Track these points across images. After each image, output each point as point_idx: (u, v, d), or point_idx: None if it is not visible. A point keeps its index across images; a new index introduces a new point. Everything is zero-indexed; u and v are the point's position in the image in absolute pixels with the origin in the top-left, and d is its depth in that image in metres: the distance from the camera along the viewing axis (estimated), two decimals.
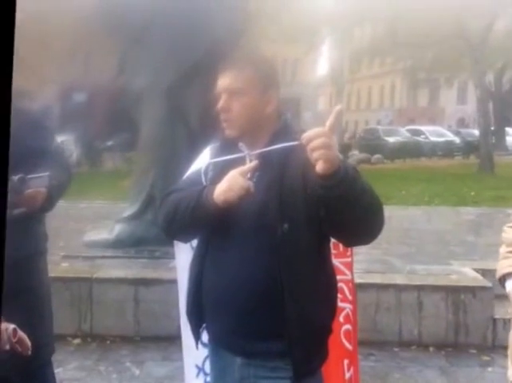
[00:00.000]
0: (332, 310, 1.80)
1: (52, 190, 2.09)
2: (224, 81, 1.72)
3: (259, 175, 1.67)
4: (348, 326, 2.66)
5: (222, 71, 1.74)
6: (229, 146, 1.76)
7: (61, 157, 2.41)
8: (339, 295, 2.20)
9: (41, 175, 2.03)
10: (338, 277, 2.06)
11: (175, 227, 1.77)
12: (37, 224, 2.36)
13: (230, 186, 1.59)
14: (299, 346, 1.65)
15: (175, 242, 2.37)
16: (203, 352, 2.28)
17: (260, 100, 1.71)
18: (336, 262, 1.85)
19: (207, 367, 2.30)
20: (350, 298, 2.65)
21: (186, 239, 2.03)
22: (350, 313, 2.67)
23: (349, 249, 2.56)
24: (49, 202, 2.13)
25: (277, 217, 1.62)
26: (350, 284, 2.67)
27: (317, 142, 1.43)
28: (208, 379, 2.37)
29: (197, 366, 2.45)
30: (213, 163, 1.78)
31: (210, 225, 1.69)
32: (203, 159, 1.94)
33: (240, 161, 1.71)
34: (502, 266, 2.08)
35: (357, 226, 1.59)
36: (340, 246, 2.39)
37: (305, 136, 1.45)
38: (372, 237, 1.64)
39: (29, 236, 2.29)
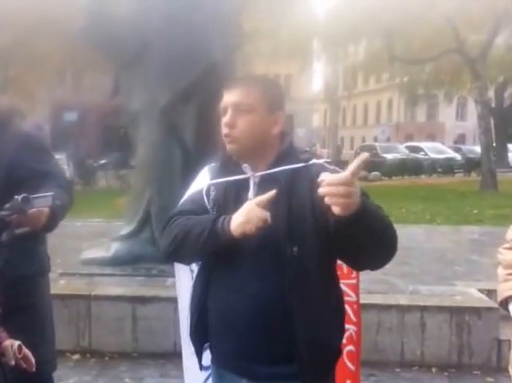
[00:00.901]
0: (341, 332, 1.82)
1: (55, 210, 2.13)
2: (232, 96, 1.72)
3: None
4: (351, 347, 2.72)
5: (231, 86, 1.74)
6: (230, 166, 1.76)
7: (62, 178, 2.45)
8: None
9: (44, 194, 2.05)
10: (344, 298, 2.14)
11: (183, 252, 1.75)
12: (40, 244, 2.43)
13: (248, 219, 1.56)
14: (310, 369, 1.66)
15: (176, 263, 2.38)
16: (204, 374, 2.30)
17: (267, 120, 1.72)
18: (340, 284, 1.90)
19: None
20: (354, 319, 2.72)
21: (189, 263, 2.07)
22: (354, 335, 2.73)
23: (354, 271, 2.61)
24: (53, 221, 2.15)
25: (286, 239, 1.63)
26: (355, 306, 2.73)
27: (336, 189, 1.39)
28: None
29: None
30: (214, 184, 1.78)
31: (222, 252, 1.68)
32: (202, 180, 1.95)
33: (242, 182, 1.72)
34: (504, 289, 2.08)
35: (370, 255, 1.61)
36: (344, 267, 2.45)
37: (325, 180, 1.41)
38: (383, 264, 1.66)
39: (33, 255, 2.36)
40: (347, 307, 2.57)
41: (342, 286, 2.34)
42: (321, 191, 1.41)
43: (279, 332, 1.66)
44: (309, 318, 1.65)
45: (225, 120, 1.71)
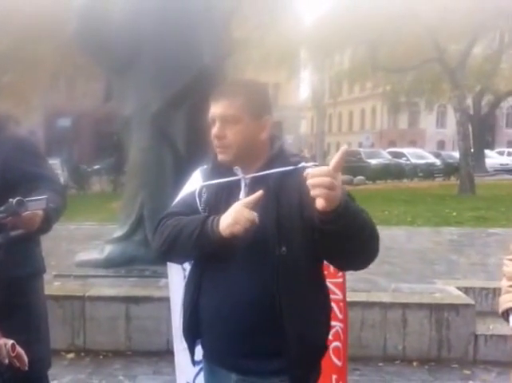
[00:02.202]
0: (327, 329, 1.84)
1: (49, 212, 2.13)
2: (218, 109, 1.71)
3: None
4: (337, 343, 2.74)
5: (216, 98, 1.73)
6: (222, 168, 1.77)
7: (56, 182, 2.44)
8: None
9: (39, 198, 2.04)
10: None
11: (175, 252, 1.76)
12: (35, 245, 2.43)
13: (235, 219, 1.57)
14: (297, 365, 1.68)
15: (168, 262, 2.39)
16: (194, 369, 2.32)
17: (254, 127, 1.71)
18: (326, 282, 1.93)
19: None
20: (341, 316, 2.75)
21: (181, 262, 2.07)
22: (340, 331, 2.75)
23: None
24: (47, 224, 2.15)
25: (274, 240, 1.64)
26: (341, 304, 2.75)
27: (319, 180, 1.41)
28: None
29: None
30: (206, 186, 1.79)
31: (212, 251, 1.69)
32: (195, 182, 1.95)
33: (233, 183, 1.74)
34: (505, 301, 2.06)
35: (353, 256, 1.63)
36: (331, 267, 2.44)
37: (309, 172, 1.44)
38: (365, 265, 1.68)
39: (27, 257, 2.35)
40: (333, 305, 2.59)
41: (329, 285, 2.37)
42: (308, 182, 1.43)
43: (268, 328, 1.67)
44: (297, 316, 1.67)
45: (214, 132, 1.72)
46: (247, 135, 1.71)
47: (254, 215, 1.57)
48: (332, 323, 2.55)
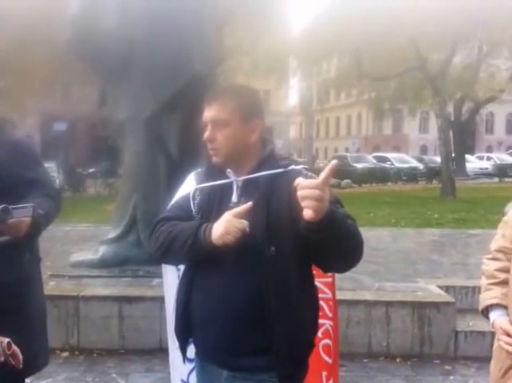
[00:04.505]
0: (315, 326, 1.83)
1: (37, 219, 2.09)
2: (209, 113, 1.74)
3: (246, 200, 1.66)
4: (327, 341, 2.72)
5: (208, 102, 1.75)
6: (214, 171, 1.78)
7: (49, 187, 2.39)
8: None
9: (25, 205, 2.02)
10: (319, 295, 2.15)
11: (170, 257, 1.79)
12: (25, 251, 2.33)
13: (227, 230, 1.58)
14: (286, 363, 1.68)
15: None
16: (188, 366, 2.31)
17: (243, 130, 1.72)
18: (316, 281, 1.91)
19: (192, 380, 2.33)
20: (330, 315, 2.73)
21: (177, 265, 2.08)
22: (330, 329, 2.73)
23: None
24: (35, 230, 2.12)
25: (264, 240, 1.64)
26: (331, 302, 2.74)
27: (309, 192, 1.42)
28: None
29: (182, 380, 2.47)
30: (199, 189, 1.79)
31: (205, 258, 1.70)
32: (189, 185, 1.93)
33: (225, 186, 1.74)
34: (485, 298, 2.06)
35: (337, 261, 1.65)
36: None
37: (300, 183, 1.45)
38: (348, 268, 1.69)
39: (14, 263, 2.26)
40: (323, 304, 2.58)
41: (318, 284, 2.34)
42: (298, 193, 1.44)
43: (257, 326, 1.66)
44: (285, 315, 1.66)
45: (205, 135, 1.74)
46: (236, 138, 1.72)
47: (245, 225, 1.58)
48: (322, 321, 2.55)
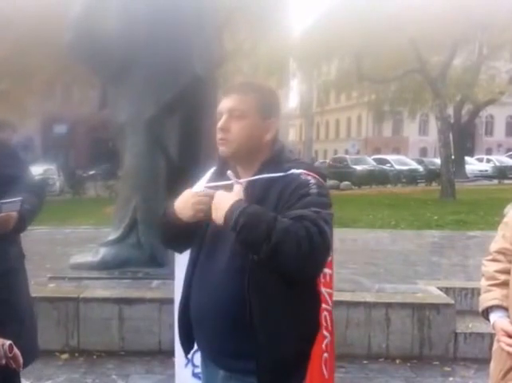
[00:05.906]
0: (307, 337, 1.73)
1: (24, 213, 2.13)
2: (228, 102, 1.69)
3: None
4: (326, 355, 2.67)
5: (227, 93, 1.72)
6: (221, 171, 1.75)
7: (31, 183, 2.42)
8: (323, 323, 2.16)
9: (13, 199, 2.05)
10: (324, 305, 2.02)
11: (166, 237, 1.87)
12: (10, 244, 2.35)
13: (195, 212, 1.69)
14: (266, 369, 1.63)
15: (176, 262, 2.45)
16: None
17: (259, 126, 1.69)
18: (323, 290, 1.83)
19: (196, 360, 2.37)
20: (330, 328, 2.59)
21: (181, 251, 1.98)
22: (329, 343, 2.68)
23: (332, 280, 2.48)
24: (22, 224, 2.16)
25: None
26: (331, 315, 2.69)
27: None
28: (196, 370, 2.41)
29: (186, 358, 2.48)
30: (206, 188, 1.76)
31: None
32: (202, 182, 1.91)
33: (230, 187, 1.70)
34: (485, 300, 2.05)
35: (273, 267, 1.53)
36: (327, 275, 2.35)
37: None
38: (298, 278, 1.56)
39: (3, 255, 2.29)
40: (327, 315, 2.41)
41: (325, 294, 2.21)
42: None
43: (244, 331, 1.63)
44: (268, 320, 1.62)
45: (219, 124, 1.69)
46: (250, 132, 1.68)
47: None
48: (326, 333, 2.41)
